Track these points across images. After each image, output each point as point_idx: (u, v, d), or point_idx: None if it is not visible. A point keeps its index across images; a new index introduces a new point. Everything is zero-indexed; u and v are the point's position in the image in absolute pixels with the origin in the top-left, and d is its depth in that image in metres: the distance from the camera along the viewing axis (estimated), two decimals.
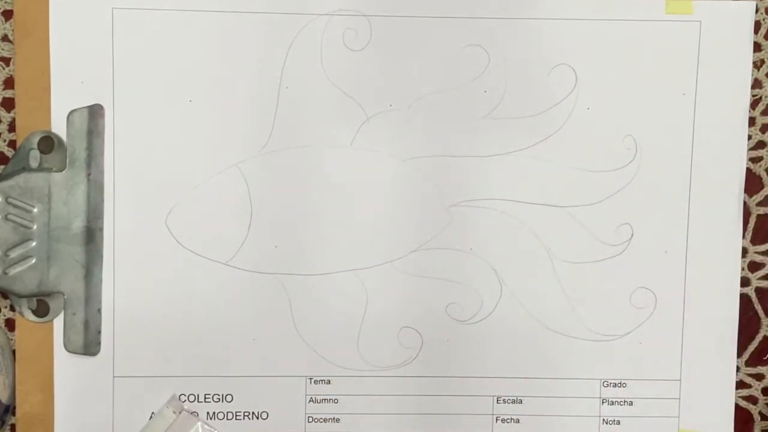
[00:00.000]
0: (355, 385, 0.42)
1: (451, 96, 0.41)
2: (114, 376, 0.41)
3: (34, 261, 0.40)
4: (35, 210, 0.40)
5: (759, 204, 0.43)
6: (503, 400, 0.42)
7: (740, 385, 0.43)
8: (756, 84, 0.42)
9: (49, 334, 0.41)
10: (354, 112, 0.41)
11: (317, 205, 0.41)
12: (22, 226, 0.40)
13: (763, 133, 0.43)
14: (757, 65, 0.42)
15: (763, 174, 0.43)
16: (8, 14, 0.40)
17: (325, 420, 0.42)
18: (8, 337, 0.41)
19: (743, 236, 0.43)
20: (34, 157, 0.40)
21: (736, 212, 0.42)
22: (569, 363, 0.42)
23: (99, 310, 0.41)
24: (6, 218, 0.40)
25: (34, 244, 0.40)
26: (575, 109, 0.42)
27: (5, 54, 0.41)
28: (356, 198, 0.41)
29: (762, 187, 0.43)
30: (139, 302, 0.41)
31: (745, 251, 0.43)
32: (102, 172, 0.41)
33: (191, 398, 0.42)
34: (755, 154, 0.42)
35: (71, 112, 0.40)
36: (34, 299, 0.41)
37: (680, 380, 0.43)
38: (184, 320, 0.41)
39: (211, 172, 0.41)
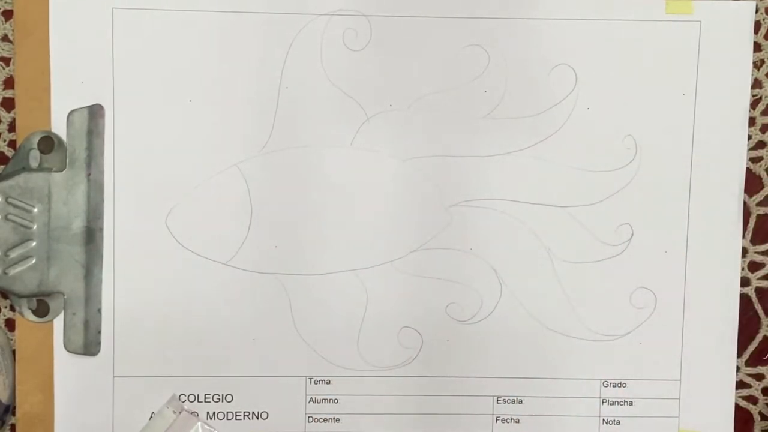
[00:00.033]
0: (355, 385, 0.42)
1: (451, 96, 0.41)
2: (114, 376, 0.41)
3: (34, 261, 0.40)
4: (35, 210, 0.40)
5: (759, 204, 0.43)
6: (503, 400, 0.42)
7: (740, 385, 0.43)
8: (756, 84, 0.42)
9: (49, 334, 0.41)
10: (354, 112, 0.41)
11: (317, 205, 0.41)
12: (22, 226, 0.40)
13: (763, 133, 0.43)
14: (757, 65, 0.42)
15: (763, 174, 0.43)
16: (8, 14, 0.40)
17: (325, 420, 0.42)
18: (8, 337, 0.41)
19: (743, 236, 0.43)
20: (34, 157, 0.40)
21: (736, 212, 0.42)
22: (569, 363, 0.42)
23: (99, 310, 0.41)
24: (6, 218, 0.40)
25: (34, 244, 0.40)
26: (575, 109, 0.42)
27: (5, 54, 0.41)
28: (356, 198, 0.41)
29: (762, 187, 0.43)
30: (139, 302, 0.41)
31: (745, 251, 0.43)
32: (102, 172, 0.41)
33: (191, 398, 0.41)
34: (755, 154, 0.42)
35: (71, 112, 0.40)
36: (34, 299, 0.41)
37: (680, 380, 0.43)
38: (184, 320, 0.41)
39: (211, 172, 0.41)
